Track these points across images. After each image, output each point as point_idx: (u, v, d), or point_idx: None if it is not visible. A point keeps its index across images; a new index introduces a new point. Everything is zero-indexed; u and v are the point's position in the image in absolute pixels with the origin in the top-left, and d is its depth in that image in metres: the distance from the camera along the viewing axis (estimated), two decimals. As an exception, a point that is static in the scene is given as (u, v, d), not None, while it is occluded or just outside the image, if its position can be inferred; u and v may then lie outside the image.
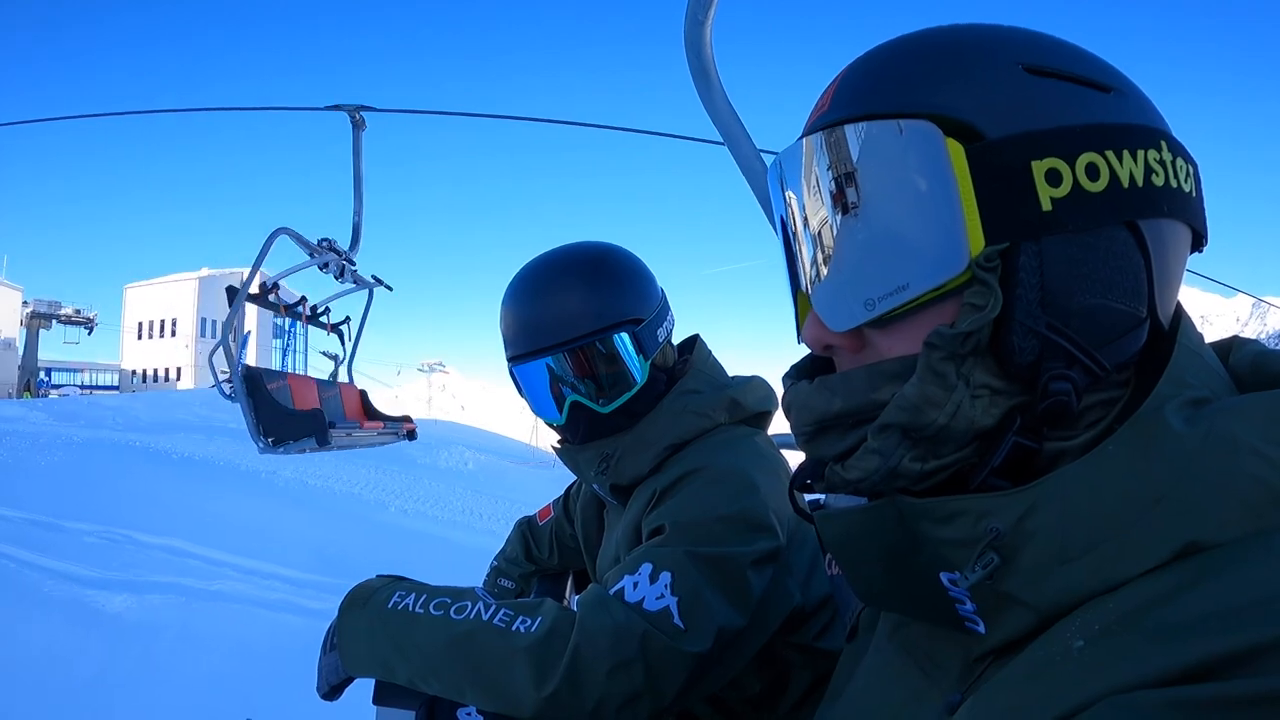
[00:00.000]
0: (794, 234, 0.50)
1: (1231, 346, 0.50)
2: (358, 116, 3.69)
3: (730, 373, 1.18)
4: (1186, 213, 0.45)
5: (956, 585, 0.44)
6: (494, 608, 0.87)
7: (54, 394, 38.48)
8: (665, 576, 0.87)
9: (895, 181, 0.45)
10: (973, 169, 0.43)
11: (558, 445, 1.14)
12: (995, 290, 0.42)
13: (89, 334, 48.14)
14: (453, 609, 0.88)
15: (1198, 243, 0.48)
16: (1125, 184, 0.43)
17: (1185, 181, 0.45)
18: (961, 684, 0.46)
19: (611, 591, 0.88)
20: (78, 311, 46.74)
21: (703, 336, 1.20)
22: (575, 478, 1.38)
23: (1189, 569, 0.37)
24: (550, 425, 1.11)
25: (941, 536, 0.44)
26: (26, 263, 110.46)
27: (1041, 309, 0.43)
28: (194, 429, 11.96)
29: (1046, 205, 0.42)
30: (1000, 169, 0.42)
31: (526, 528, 1.51)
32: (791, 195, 0.50)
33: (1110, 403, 0.45)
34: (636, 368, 1.05)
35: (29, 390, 35.24)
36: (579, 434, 1.08)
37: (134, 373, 48.56)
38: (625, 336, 1.04)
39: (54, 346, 44.23)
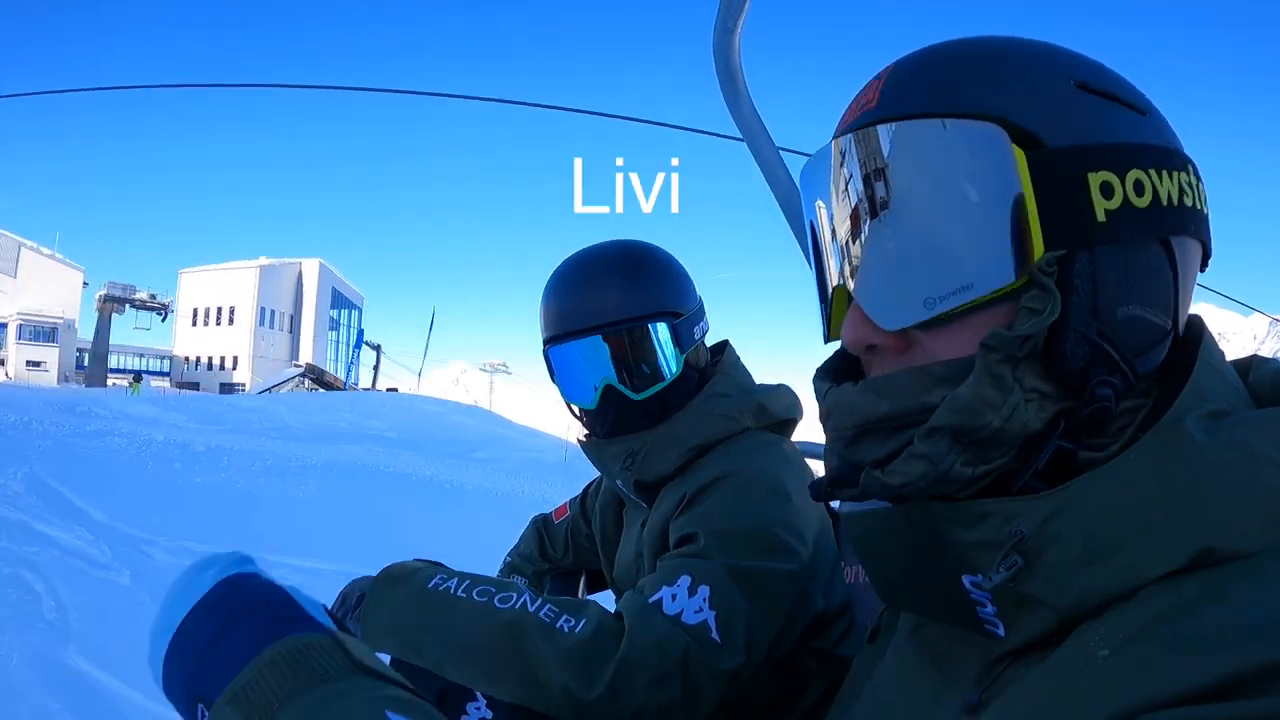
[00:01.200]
0: (835, 231, 0.50)
1: (1251, 365, 0.50)
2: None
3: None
4: (1203, 233, 0.48)
5: (979, 588, 0.44)
6: (539, 602, 0.87)
7: (116, 381, 38.49)
8: (704, 590, 0.87)
9: (959, 183, 0.45)
10: (1033, 175, 0.44)
11: (583, 439, 1.14)
12: (1055, 295, 0.43)
13: (162, 320, 47.34)
14: (496, 598, 0.87)
15: (1204, 262, 0.50)
16: (1164, 202, 0.45)
17: (1204, 205, 0.48)
18: (979, 685, 0.46)
19: (650, 601, 0.88)
20: (152, 296, 46.04)
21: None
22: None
23: (1210, 580, 0.38)
24: (578, 413, 1.12)
25: (967, 539, 0.44)
26: (78, 238, 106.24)
27: (1092, 316, 0.44)
28: (363, 439, 10.80)
29: (1101, 216, 0.44)
30: (1060, 177, 0.44)
31: (542, 525, 1.51)
32: (838, 190, 0.50)
33: (1134, 411, 0.46)
34: (671, 359, 1.06)
35: (136, 382, 33.58)
36: (607, 423, 1.08)
37: (187, 359, 48.26)
38: (663, 326, 1.05)
39: (117, 331, 43.59)
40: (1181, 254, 0.46)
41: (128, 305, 44.29)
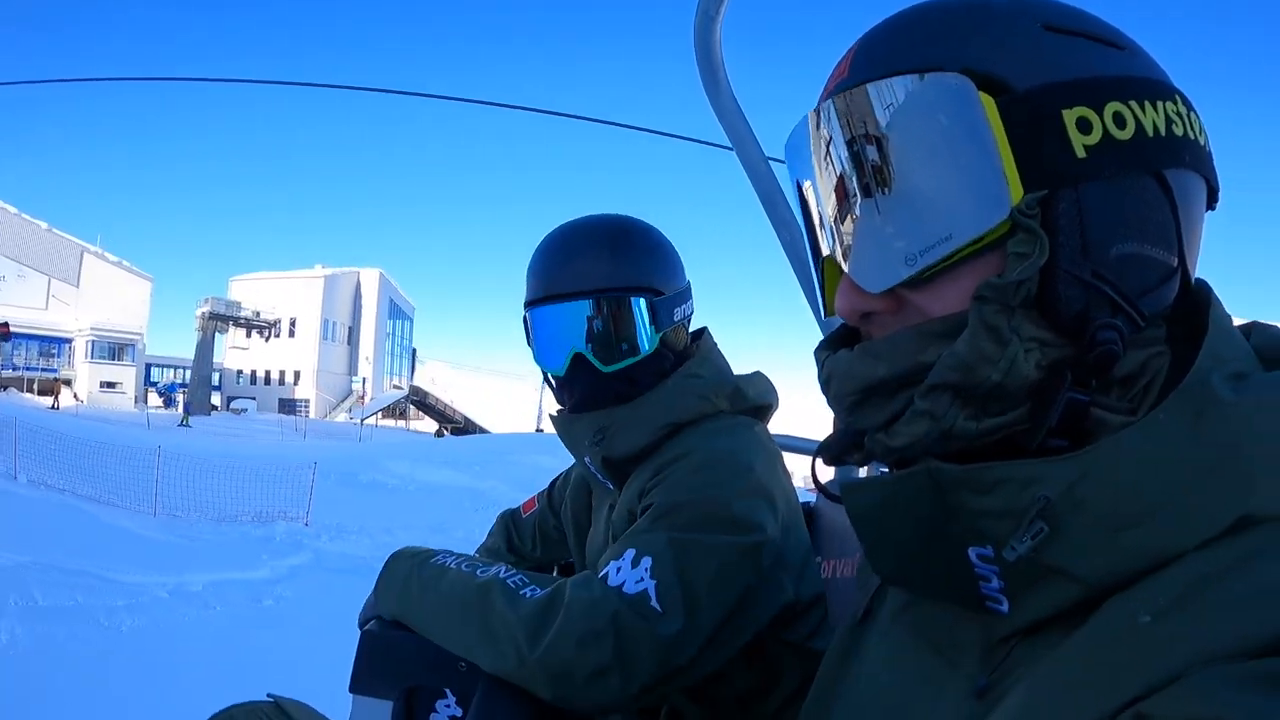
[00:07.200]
0: (819, 202, 0.50)
1: (1252, 329, 0.49)
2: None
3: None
4: (1203, 165, 0.46)
5: (985, 560, 0.43)
6: (514, 573, 0.93)
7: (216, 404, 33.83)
8: (646, 561, 0.88)
9: (930, 136, 0.45)
10: (1005, 120, 0.43)
11: (554, 415, 1.15)
12: (1041, 236, 0.42)
13: (265, 340, 43.90)
14: (478, 569, 0.94)
15: (1211, 199, 0.48)
16: (1150, 133, 0.43)
17: (1200, 135, 0.46)
18: (985, 666, 0.44)
19: (599, 575, 0.90)
20: (257, 314, 43.11)
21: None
22: (558, 472, 1.45)
23: (1251, 541, 0.37)
24: (550, 382, 1.13)
25: (981, 507, 0.42)
26: (120, 238, 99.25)
27: (1083, 256, 0.43)
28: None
29: (1080, 152, 0.43)
30: (1032, 118, 0.43)
31: (510, 520, 1.53)
32: (818, 161, 0.50)
33: (1151, 368, 0.45)
34: (645, 335, 1.06)
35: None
36: (575, 395, 1.09)
37: (239, 373, 45.17)
38: (642, 301, 1.06)
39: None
40: (1180, 188, 0.45)
41: (231, 324, 41.19)
